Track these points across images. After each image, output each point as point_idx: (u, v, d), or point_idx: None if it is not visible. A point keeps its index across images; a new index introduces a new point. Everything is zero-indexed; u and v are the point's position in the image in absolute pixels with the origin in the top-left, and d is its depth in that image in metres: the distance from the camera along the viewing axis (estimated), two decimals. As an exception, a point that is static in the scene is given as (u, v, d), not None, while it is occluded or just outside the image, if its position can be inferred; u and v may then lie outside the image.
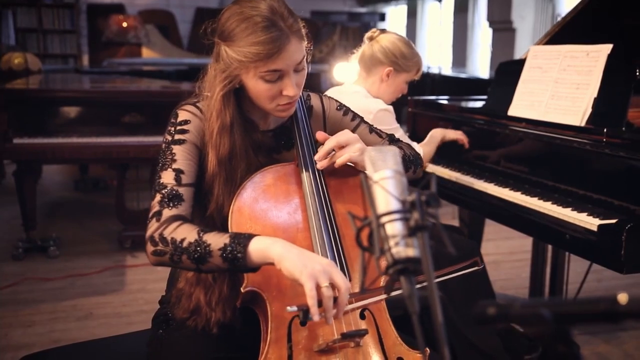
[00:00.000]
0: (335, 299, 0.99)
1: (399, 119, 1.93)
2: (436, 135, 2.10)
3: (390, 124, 1.87)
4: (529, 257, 2.51)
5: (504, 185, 1.89)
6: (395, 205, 0.70)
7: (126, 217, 3.39)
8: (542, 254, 2.38)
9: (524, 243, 3.40)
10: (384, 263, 0.69)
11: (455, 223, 2.72)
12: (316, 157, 1.18)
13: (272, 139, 1.25)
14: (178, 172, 1.11)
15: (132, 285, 2.90)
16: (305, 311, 0.97)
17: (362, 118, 1.37)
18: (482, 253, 2.43)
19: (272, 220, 1.13)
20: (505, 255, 3.37)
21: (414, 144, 1.95)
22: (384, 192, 0.71)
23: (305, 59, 1.15)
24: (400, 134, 1.90)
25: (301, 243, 1.09)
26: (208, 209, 1.15)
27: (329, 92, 1.96)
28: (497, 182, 1.94)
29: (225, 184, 1.14)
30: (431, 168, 2.17)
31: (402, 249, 0.68)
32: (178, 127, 1.15)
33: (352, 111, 1.36)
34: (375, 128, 1.37)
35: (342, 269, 1.09)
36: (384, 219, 0.70)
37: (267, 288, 1.08)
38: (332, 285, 0.99)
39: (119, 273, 3.05)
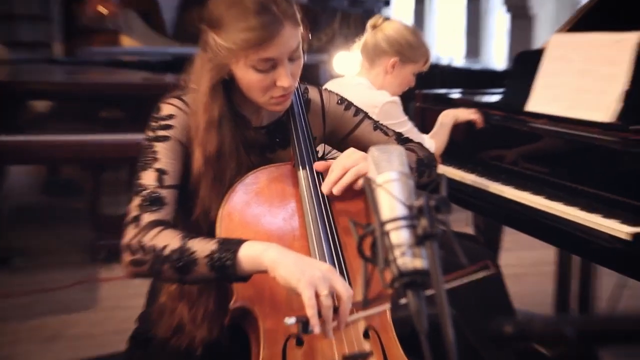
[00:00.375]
0: (336, 310, 0.99)
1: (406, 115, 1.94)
2: (447, 120, 2.10)
3: (397, 117, 1.87)
4: (554, 269, 2.51)
5: (523, 188, 1.88)
6: (401, 211, 0.71)
7: (101, 224, 3.38)
8: (568, 266, 2.37)
9: (548, 254, 3.37)
10: (388, 275, 0.69)
11: (470, 230, 2.71)
12: (325, 190, 1.16)
13: (265, 137, 1.25)
14: (160, 173, 1.11)
15: (106, 302, 2.88)
16: (304, 323, 0.97)
17: (365, 113, 1.37)
18: (501, 265, 2.40)
19: (266, 227, 1.13)
20: (527, 268, 3.35)
21: (424, 138, 1.96)
22: (388, 197, 0.71)
23: (301, 47, 1.15)
24: (409, 127, 1.90)
25: (298, 252, 1.08)
26: (193, 213, 1.15)
27: (329, 85, 1.96)
28: (515, 184, 1.92)
29: (213, 185, 1.13)
30: (442, 169, 2.16)
31: (409, 260, 0.68)
32: (161, 122, 1.15)
33: (355, 106, 1.36)
34: (381, 125, 1.37)
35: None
36: (388, 227, 0.70)
37: (259, 303, 1.07)
38: (333, 294, 0.98)
39: (92, 288, 3.03)
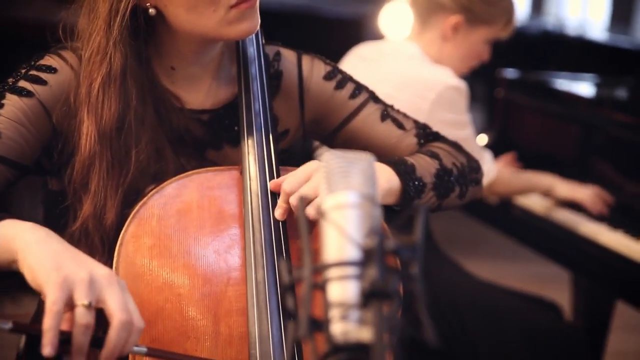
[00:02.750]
0: (101, 338, 0.68)
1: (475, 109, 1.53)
2: (542, 182, 1.57)
3: (459, 112, 1.42)
4: None
5: None
6: (352, 253, 0.50)
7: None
8: None
9: None
10: (323, 345, 0.50)
11: (564, 298, 1.95)
12: (279, 214, 0.87)
13: (205, 126, 0.95)
14: None
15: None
16: (31, 337, 0.68)
17: (371, 93, 1.03)
18: (615, 352, 1.82)
19: (188, 262, 0.86)
20: None
21: (485, 156, 1.47)
22: (336, 230, 0.51)
23: None
24: (468, 133, 1.43)
25: (231, 303, 0.84)
26: (78, 217, 0.88)
27: (361, 51, 1.51)
28: (629, 230, 1.40)
29: (111, 171, 0.87)
30: (523, 197, 1.65)
31: (353, 328, 0.49)
32: (32, 72, 0.88)
33: (354, 82, 1.02)
34: (395, 111, 1.03)
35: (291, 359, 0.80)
36: (328, 274, 0.49)
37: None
38: (102, 313, 0.69)
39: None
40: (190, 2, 0.85)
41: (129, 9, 0.85)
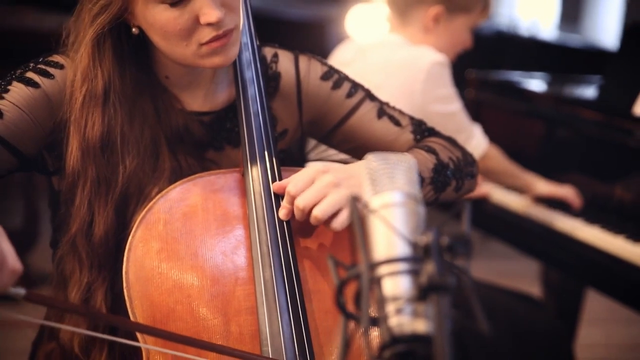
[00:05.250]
0: None
1: None
2: (524, 175, 1.62)
3: (449, 86, 1.46)
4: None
5: (617, 232, 1.42)
6: (402, 249, 0.53)
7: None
8: None
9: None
10: (377, 340, 0.52)
11: (537, 290, 2.07)
12: (282, 214, 0.89)
13: (206, 127, 0.97)
14: None
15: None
16: None
17: (367, 92, 1.05)
18: (583, 344, 1.90)
19: (197, 263, 0.88)
20: (625, 352, 2.45)
21: (474, 130, 1.52)
22: (385, 228, 0.54)
23: None
24: (459, 106, 1.48)
25: (240, 302, 0.86)
26: (68, 230, 0.90)
27: (344, 50, 1.56)
28: (606, 225, 1.46)
29: (97, 189, 0.88)
30: (500, 195, 1.69)
31: (408, 320, 0.53)
32: (40, 66, 0.90)
33: (350, 81, 1.04)
34: (391, 109, 1.04)
35: (302, 354, 0.83)
36: (381, 271, 0.52)
37: None
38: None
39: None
40: (164, 34, 0.87)
41: (109, 27, 0.86)
